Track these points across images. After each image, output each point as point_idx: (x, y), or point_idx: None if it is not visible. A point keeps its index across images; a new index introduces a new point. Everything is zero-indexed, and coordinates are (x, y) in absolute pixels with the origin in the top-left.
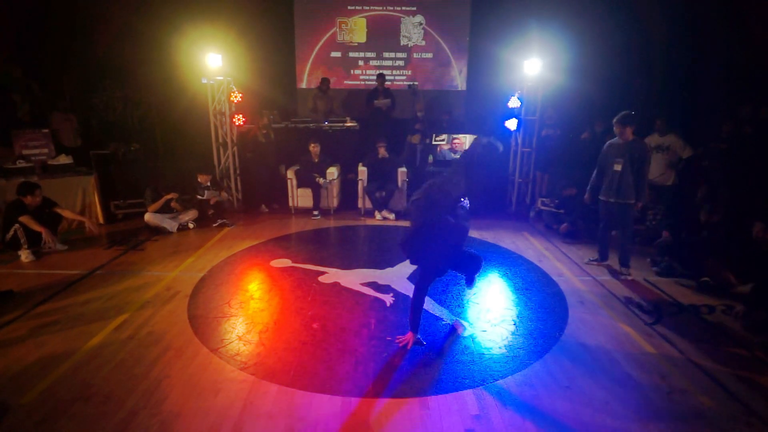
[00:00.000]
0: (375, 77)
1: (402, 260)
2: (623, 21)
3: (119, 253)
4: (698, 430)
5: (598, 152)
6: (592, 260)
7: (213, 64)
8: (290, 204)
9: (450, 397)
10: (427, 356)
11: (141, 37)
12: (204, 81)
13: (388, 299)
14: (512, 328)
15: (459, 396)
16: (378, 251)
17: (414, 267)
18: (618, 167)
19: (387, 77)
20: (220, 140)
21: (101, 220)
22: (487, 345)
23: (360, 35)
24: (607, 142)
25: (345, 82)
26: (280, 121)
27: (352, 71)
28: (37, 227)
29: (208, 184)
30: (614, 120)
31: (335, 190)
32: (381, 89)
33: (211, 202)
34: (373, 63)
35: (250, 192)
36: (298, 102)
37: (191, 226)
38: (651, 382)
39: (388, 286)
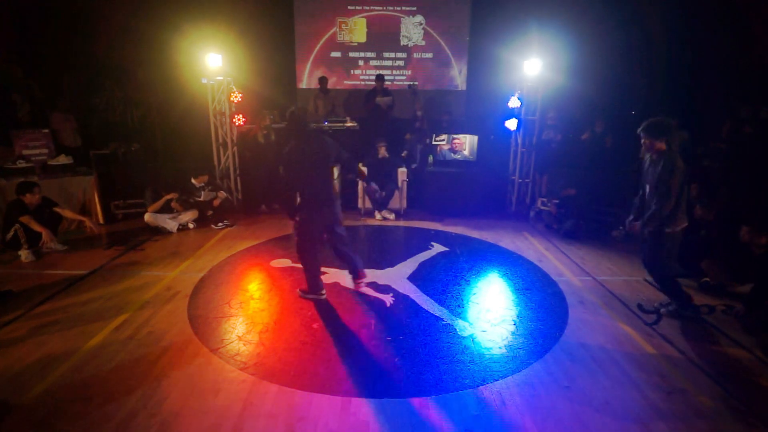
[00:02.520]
0: (374, 78)
1: (402, 260)
2: (623, 21)
3: (119, 253)
4: (698, 430)
5: (599, 153)
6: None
7: (213, 64)
8: None
9: (450, 397)
10: (427, 356)
11: (141, 37)
12: (204, 81)
13: (388, 299)
14: (512, 328)
15: (459, 396)
16: (378, 251)
17: (414, 267)
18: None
19: (387, 77)
20: (220, 140)
21: (101, 220)
22: (487, 345)
23: (360, 35)
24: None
25: (345, 82)
26: (280, 121)
27: (352, 71)
28: (37, 228)
29: (203, 184)
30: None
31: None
32: (380, 90)
33: (215, 204)
34: (373, 63)
35: (250, 192)
36: (298, 102)
37: (191, 226)
38: (651, 382)
39: (388, 286)
